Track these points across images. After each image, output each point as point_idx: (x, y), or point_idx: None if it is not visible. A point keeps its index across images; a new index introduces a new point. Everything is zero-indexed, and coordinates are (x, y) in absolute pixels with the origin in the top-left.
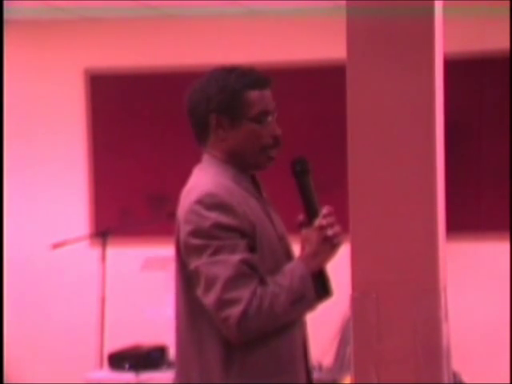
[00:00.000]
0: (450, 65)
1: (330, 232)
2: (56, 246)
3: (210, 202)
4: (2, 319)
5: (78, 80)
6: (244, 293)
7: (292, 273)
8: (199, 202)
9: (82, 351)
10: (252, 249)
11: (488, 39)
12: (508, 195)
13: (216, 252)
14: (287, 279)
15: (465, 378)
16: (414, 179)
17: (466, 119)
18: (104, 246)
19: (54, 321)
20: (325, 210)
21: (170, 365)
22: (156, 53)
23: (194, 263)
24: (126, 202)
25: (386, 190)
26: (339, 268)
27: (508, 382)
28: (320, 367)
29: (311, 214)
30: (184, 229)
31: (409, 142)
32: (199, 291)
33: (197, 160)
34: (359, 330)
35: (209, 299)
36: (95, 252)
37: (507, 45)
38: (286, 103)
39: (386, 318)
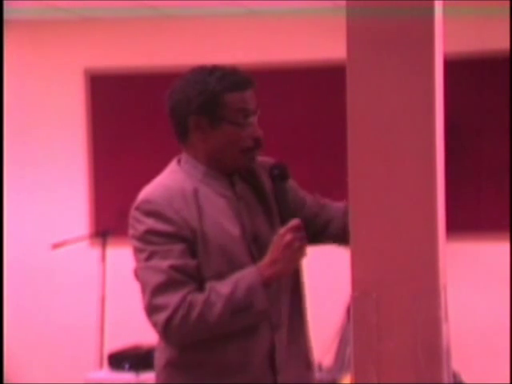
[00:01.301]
0: (450, 65)
1: (288, 237)
2: (56, 246)
3: (145, 209)
4: (2, 319)
5: (78, 80)
6: (171, 299)
7: (238, 282)
8: (137, 208)
9: (82, 351)
10: (193, 253)
11: (488, 39)
12: (508, 195)
13: (149, 257)
14: (229, 288)
15: (465, 378)
16: (414, 179)
17: (466, 119)
18: (104, 246)
19: (53, 321)
20: (293, 223)
21: None
22: (156, 53)
23: (135, 265)
24: (125, 202)
25: (386, 190)
26: (339, 268)
27: (508, 382)
28: (320, 367)
29: (283, 220)
30: (129, 233)
31: (409, 142)
32: (141, 294)
33: None
34: (359, 330)
35: (143, 304)
36: (95, 252)
37: (507, 45)
38: (286, 103)
39: (386, 318)
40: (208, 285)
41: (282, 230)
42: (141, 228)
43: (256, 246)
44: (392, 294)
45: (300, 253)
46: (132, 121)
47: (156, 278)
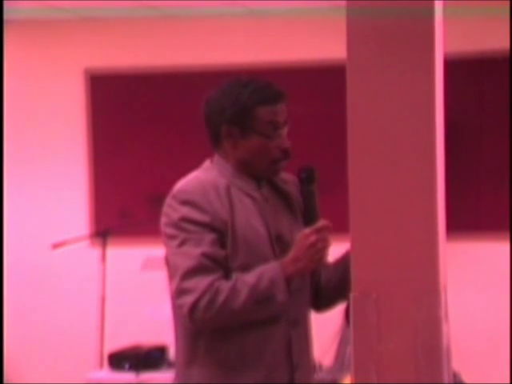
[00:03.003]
0: (450, 65)
1: (313, 237)
2: (56, 245)
3: (181, 198)
4: (2, 319)
5: (78, 80)
6: (200, 284)
7: (262, 273)
8: (174, 196)
9: (82, 351)
10: (223, 244)
11: (488, 39)
12: (508, 195)
13: (182, 244)
14: (254, 278)
15: (465, 378)
16: (414, 179)
17: (465, 119)
18: (104, 246)
19: (54, 321)
20: (320, 223)
21: (170, 365)
22: (156, 53)
23: (166, 252)
24: (125, 202)
25: (386, 190)
26: None
27: (508, 382)
28: (320, 367)
29: (308, 221)
30: (162, 220)
31: (409, 142)
32: (168, 279)
33: (196, 160)
34: (359, 330)
35: (171, 288)
36: (95, 252)
37: (507, 45)
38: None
39: (386, 318)
40: (234, 275)
41: (307, 230)
42: (175, 215)
43: (279, 246)
44: (392, 293)
45: (322, 253)
46: (132, 121)
47: (187, 263)
